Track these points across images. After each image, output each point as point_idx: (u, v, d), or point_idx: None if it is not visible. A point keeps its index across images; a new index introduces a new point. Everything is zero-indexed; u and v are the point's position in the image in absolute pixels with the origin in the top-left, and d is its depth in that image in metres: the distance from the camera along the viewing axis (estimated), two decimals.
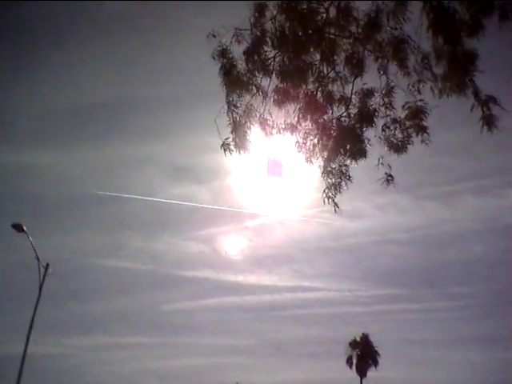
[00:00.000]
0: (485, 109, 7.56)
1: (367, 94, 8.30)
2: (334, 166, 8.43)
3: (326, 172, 8.45)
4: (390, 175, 8.31)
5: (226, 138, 8.48)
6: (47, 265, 22.94)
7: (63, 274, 23.66)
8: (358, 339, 50.99)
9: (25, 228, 22.04)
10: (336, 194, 8.33)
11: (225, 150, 8.47)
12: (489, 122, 7.51)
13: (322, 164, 8.48)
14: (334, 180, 8.40)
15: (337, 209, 8.34)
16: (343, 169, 8.40)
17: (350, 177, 8.40)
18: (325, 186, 8.42)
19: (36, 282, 22.43)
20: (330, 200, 8.33)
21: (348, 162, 8.34)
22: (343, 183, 8.38)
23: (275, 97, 8.32)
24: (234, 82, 8.26)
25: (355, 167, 8.44)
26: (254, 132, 8.58)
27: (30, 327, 22.38)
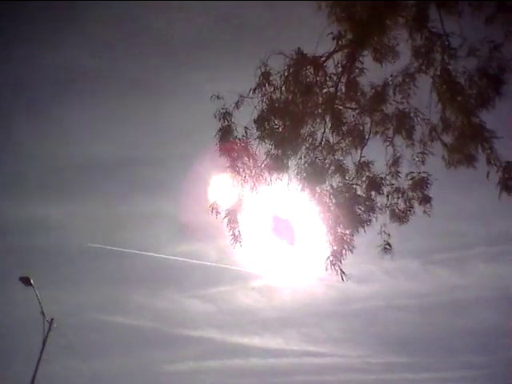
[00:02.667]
0: (505, 174, 7.38)
1: (368, 164, 8.23)
2: (336, 235, 8.25)
3: (329, 240, 8.26)
4: (388, 244, 8.20)
5: (215, 201, 8.50)
6: (51, 320, 22.59)
7: (65, 329, 23.14)
8: None
9: (32, 282, 21.91)
10: (340, 261, 8.10)
11: (212, 210, 8.44)
12: (508, 186, 7.32)
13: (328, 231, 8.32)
14: (336, 248, 8.20)
15: (343, 276, 8.07)
16: (345, 237, 8.21)
17: (352, 246, 8.19)
18: (328, 253, 8.22)
19: (38, 335, 22.05)
20: (336, 267, 8.08)
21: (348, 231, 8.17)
22: (345, 251, 8.16)
23: (271, 164, 8.30)
24: (229, 147, 8.34)
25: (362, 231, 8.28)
26: (261, 194, 8.55)
27: (32, 382, 21.85)
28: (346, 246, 7.99)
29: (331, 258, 7.99)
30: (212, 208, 8.44)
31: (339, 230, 8.18)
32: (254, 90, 8.07)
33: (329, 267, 7.93)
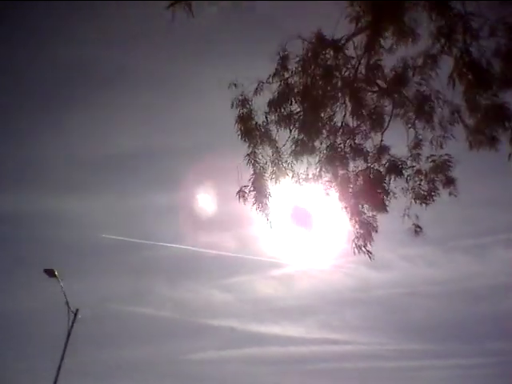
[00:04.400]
0: None
1: (387, 148, 8.17)
2: (360, 218, 8.21)
3: (354, 222, 8.23)
4: (418, 226, 8.11)
5: (244, 186, 8.42)
6: (76, 310, 22.91)
7: (88, 320, 23.49)
8: None
9: (56, 273, 22.24)
10: (366, 244, 8.06)
11: (240, 197, 8.41)
12: None
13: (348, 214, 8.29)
14: (361, 230, 8.16)
15: (371, 257, 8.03)
16: (371, 220, 8.19)
17: (376, 227, 8.16)
18: (353, 236, 8.19)
19: (62, 327, 22.38)
20: (362, 249, 8.04)
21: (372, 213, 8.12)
22: (371, 233, 8.12)
23: (295, 148, 8.26)
24: (250, 132, 8.31)
25: (381, 217, 8.22)
26: (280, 181, 8.54)
27: (57, 373, 22.20)
28: (371, 228, 7.94)
29: (357, 241, 7.94)
30: (240, 195, 8.39)
31: (363, 214, 8.15)
32: (274, 75, 8.04)
33: (356, 250, 7.90)
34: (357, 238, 8.12)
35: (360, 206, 8.05)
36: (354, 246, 8.04)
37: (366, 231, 8.07)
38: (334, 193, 8.23)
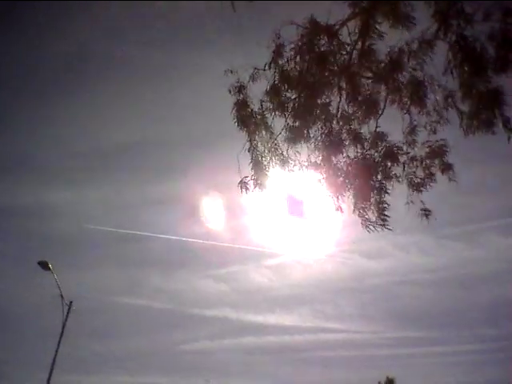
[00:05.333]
0: None
1: (383, 134, 8.14)
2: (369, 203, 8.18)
3: (358, 208, 8.17)
4: (427, 209, 8.01)
5: (245, 177, 8.38)
6: (70, 302, 22.92)
7: (82, 312, 23.55)
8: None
9: (50, 266, 22.21)
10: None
11: (242, 188, 8.35)
12: None
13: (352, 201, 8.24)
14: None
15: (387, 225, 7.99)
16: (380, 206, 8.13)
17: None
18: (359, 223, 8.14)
19: (56, 319, 22.39)
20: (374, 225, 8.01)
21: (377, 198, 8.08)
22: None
23: (290, 135, 8.22)
24: (247, 119, 8.27)
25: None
26: (275, 170, 8.51)
27: (52, 365, 22.21)
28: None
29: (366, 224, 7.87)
30: (242, 186, 8.37)
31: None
32: (270, 63, 7.99)
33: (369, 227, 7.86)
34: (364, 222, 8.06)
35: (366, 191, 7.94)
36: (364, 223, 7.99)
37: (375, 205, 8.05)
38: (329, 181, 8.18)
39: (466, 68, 7.53)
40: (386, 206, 7.99)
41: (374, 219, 8.01)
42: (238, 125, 8.21)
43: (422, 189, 7.95)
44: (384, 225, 7.93)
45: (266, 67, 8.12)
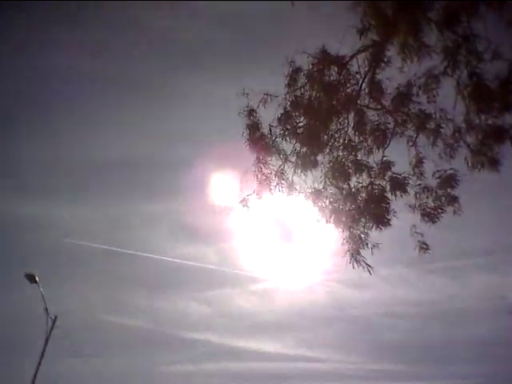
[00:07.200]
0: None
1: (390, 164, 8.22)
2: (356, 232, 8.22)
3: (350, 237, 8.21)
4: (425, 243, 8.10)
5: (248, 195, 8.47)
6: (55, 317, 22.49)
7: (65, 328, 23.09)
8: None
9: (37, 279, 21.86)
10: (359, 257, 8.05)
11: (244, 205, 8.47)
12: None
13: (345, 229, 8.28)
14: (355, 245, 8.16)
15: (370, 270, 7.98)
16: (363, 236, 8.19)
17: (367, 244, 8.16)
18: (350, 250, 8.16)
19: (40, 332, 21.96)
20: (361, 263, 8.01)
21: (371, 229, 8.12)
22: (367, 247, 8.13)
23: (298, 161, 8.29)
24: (257, 142, 8.34)
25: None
26: (267, 194, 8.57)
27: (33, 381, 21.73)
28: (366, 243, 7.95)
29: (353, 253, 7.93)
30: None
31: (357, 229, 8.15)
32: (288, 87, 8.09)
33: (351, 262, 7.87)
34: (352, 252, 8.10)
35: (359, 221, 8.03)
36: (351, 259, 8.01)
37: (359, 246, 8.08)
38: (336, 208, 8.22)
39: (472, 104, 7.66)
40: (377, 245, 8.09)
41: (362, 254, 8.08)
42: (249, 146, 8.25)
43: (435, 220, 7.98)
44: (370, 266, 7.97)
45: (278, 92, 8.21)
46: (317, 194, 8.34)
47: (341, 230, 8.28)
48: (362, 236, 8.14)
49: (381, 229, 7.80)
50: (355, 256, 7.87)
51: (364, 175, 8.12)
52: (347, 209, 8.19)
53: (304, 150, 8.14)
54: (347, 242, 8.16)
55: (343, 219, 8.25)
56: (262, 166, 8.39)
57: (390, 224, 7.83)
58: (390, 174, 7.98)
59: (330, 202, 8.33)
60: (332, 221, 8.31)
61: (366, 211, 7.84)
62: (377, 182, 8.02)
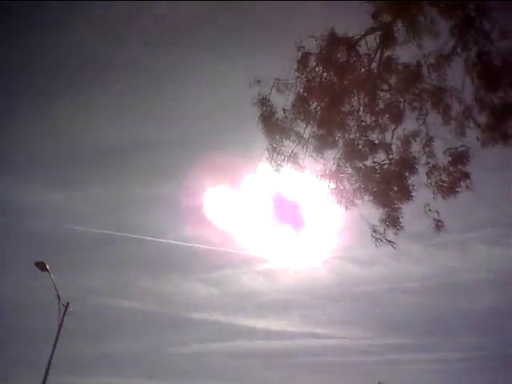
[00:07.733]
0: None
1: (406, 141, 8.35)
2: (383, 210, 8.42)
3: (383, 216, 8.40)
4: (440, 220, 8.25)
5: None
6: (67, 304, 22.80)
7: (73, 313, 23.41)
8: None
9: (48, 266, 22.11)
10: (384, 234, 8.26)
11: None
12: None
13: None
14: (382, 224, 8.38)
15: (393, 245, 8.24)
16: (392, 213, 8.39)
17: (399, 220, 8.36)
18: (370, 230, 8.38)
19: (52, 319, 22.26)
20: (383, 240, 8.26)
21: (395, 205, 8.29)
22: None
23: (314, 143, 8.43)
24: (273, 128, 8.46)
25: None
26: (278, 174, 8.71)
27: (48, 366, 22.07)
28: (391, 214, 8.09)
29: (375, 234, 8.10)
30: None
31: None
32: (298, 73, 8.18)
33: (375, 240, 8.06)
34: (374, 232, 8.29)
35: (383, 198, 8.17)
36: (375, 236, 8.21)
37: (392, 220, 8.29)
38: (351, 187, 8.39)
39: (482, 83, 7.81)
40: (400, 216, 8.25)
41: (382, 232, 8.27)
42: (265, 133, 8.37)
43: (451, 195, 8.16)
44: (392, 241, 8.18)
45: (288, 76, 8.31)
46: (332, 175, 8.49)
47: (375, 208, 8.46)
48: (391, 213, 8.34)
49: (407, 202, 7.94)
50: (378, 233, 8.03)
51: (381, 154, 8.26)
52: (370, 187, 8.32)
53: (320, 132, 8.27)
54: (380, 222, 8.36)
55: (365, 198, 8.41)
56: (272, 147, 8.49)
57: (411, 198, 8.00)
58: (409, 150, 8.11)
59: (346, 182, 8.48)
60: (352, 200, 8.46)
61: (389, 188, 7.97)
62: (392, 160, 8.17)
